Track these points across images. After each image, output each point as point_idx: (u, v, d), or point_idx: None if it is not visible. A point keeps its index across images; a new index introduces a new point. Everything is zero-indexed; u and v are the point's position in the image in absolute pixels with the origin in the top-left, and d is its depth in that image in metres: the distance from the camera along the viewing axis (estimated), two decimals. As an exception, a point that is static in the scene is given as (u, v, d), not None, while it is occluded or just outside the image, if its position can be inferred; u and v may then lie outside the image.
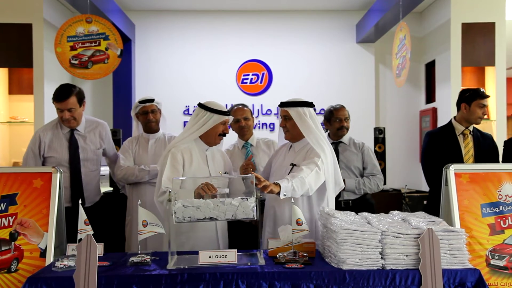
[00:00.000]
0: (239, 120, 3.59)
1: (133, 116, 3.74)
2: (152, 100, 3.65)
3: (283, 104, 2.86)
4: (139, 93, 6.32)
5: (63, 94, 3.30)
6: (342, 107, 3.76)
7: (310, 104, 2.85)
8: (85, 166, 3.38)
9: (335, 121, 3.73)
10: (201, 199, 2.33)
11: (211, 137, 2.87)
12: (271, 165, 3.04)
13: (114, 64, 4.90)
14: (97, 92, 6.53)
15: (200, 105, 2.87)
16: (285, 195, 2.49)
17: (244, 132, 3.61)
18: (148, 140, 3.65)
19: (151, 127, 3.65)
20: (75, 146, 3.37)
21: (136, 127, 3.78)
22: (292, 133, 2.86)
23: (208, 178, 2.67)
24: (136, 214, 3.41)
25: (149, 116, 3.62)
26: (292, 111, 2.80)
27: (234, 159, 3.51)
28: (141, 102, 3.63)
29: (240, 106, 3.64)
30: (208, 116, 2.82)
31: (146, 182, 3.51)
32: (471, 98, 3.62)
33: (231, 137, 3.49)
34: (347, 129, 3.74)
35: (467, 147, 3.64)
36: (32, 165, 3.26)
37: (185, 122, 6.38)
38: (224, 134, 2.91)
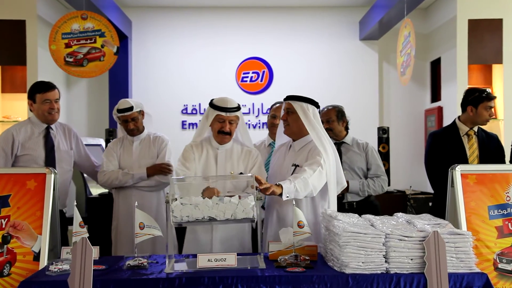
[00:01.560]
0: (276, 117, 3.62)
1: (115, 119, 3.67)
2: (131, 109, 3.46)
3: (288, 97, 2.86)
4: (136, 91, 6.32)
5: (49, 84, 3.35)
6: (325, 110, 3.76)
7: (316, 104, 2.85)
8: (60, 166, 3.35)
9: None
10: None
11: (214, 135, 2.89)
12: (270, 167, 3.04)
13: (110, 61, 4.90)
14: (93, 91, 6.52)
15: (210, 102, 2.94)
16: (287, 196, 2.49)
17: (274, 130, 3.60)
18: (132, 142, 3.57)
19: (132, 134, 3.56)
20: (51, 144, 3.37)
21: (121, 128, 3.67)
22: (292, 127, 2.84)
23: (206, 178, 2.68)
24: (123, 218, 3.44)
25: (130, 125, 3.50)
26: (296, 104, 2.80)
27: None
28: (119, 111, 3.49)
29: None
30: (206, 111, 2.88)
31: (131, 186, 3.46)
32: (477, 101, 3.60)
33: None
34: (332, 130, 3.70)
35: (472, 148, 3.63)
36: (2, 166, 3.22)
37: (183, 122, 6.38)
38: (223, 132, 2.86)
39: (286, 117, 2.84)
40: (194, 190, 2.49)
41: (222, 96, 2.96)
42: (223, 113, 2.84)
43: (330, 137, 3.74)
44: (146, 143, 3.58)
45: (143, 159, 3.50)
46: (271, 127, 3.66)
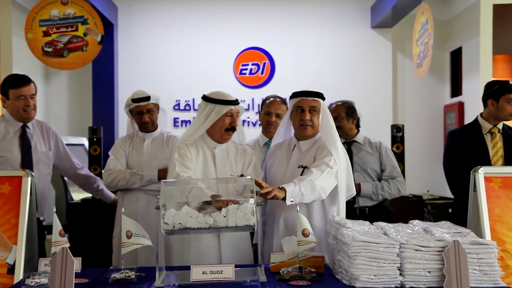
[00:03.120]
0: (270, 113, 3.59)
1: (126, 112, 3.68)
2: (147, 98, 3.53)
3: (313, 94, 2.85)
4: (122, 85, 6.32)
5: (24, 78, 3.33)
6: (333, 106, 3.78)
7: (324, 97, 2.89)
8: (37, 169, 3.35)
9: None
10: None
11: (217, 133, 2.85)
12: (266, 171, 3.03)
13: (93, 52, 4.90)
14: (74, 84, 6.52)
15: (203, 97, 2.90)
16: (292, 201, 2.49)
17: (270, 128, 3.61)
18: (143, 140, 3.60)
19: (147, 128, 3.60)
20: (28, 145, 3.37)
21: (131, 123, 3.71)
22: (315, 129, 2.87)
23: (203, 180, 2.67)
24: None
25: (145, 118, 3.54)
26: (322, 102, 2.83)
27: None
28: (134, 100, 3.54)
29: (278, 100, 3.63)
30: (210, 107, 2.82)
31: (139, 189, 3.47)
32: (498, 93, 3.61)
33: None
34: (340, 128, 3.72)
35: (495, 147, 3.63)
36: None
37: (175, 119, 6.38)
38: (232, 129, 2.86)
39: (310, 117, 2.83)
40: (194, 195, 2.50)
41: (216, 90, 2.95)
42: (232, 107, 2.84)
43: (340, 136, 3.78)
44: (158, 142, 3.60)
45: (155, 159, 3.51)
46: (266, 125, 3.63)
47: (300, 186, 2.52)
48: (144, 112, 3.54)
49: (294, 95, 2.90)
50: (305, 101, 2.84)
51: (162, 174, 3.37)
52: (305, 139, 2.89)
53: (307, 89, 2.89)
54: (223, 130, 2.84)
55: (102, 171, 3.82)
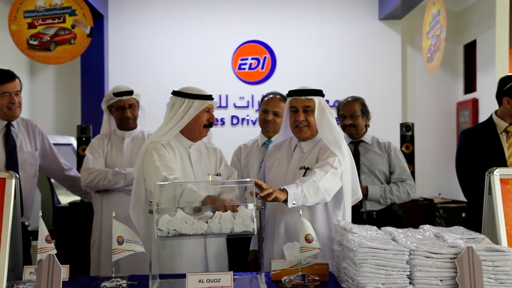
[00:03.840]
0: (267, 111, 3.60)
1: (104, 108, 3.71)
2: (130, 93, 3.59)
3: (307, 92, 2.85)
4: (113, 81, 6.31)
5: (8, 74, 3.33)
6: (348, 101, 3.79)
7: (323, 94, 2.88)
8: (23, 170, 3.35)
9: (340, 117, 3.79)
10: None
11: (195, 130, 2.87)
12: (264, 173, 3.04)
13: (82, 45, 4.90)
14: (62, 80, 6.52)
15: (175, 92, 2.89)
16: (294, 203, 2.49)
17: (267, 127, 3.61)
18: (123, 139, 3.62)
19: (128, 125, 3.62)
20: (12, 145, 3.36)
21: (108, 121, 3.74)
22: (313, 130, 2.87)
23: (200, 183, 2.67)
24: (107, 230, 3.44)
25: (127, 113, 3.57)
26: (316, 100, 2.83)
27: (251, 157, 3.54)
28: (116, 94, 3.57)
29: (277, 97, 3.63)
30: (188, 103, 2.83)
31: (120, 189, 3.48)
32: None
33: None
34: (355, 126, 3.73)
35: (512, 147, 3.64)
36: None
37: (169, 117, 6.38)
38: (210, 125, 2.91)
39: (305, 117, 2.84)
40: (186, 198, 2.49)
41: (204, 87, 2.94)
42: (209, 101, 2.87)
43: (349, 136, 3.79)
44: (139, 141, 3.62)
45: (135, 159, 3.49)
46: (264, 123, 3.64)
47: (302, 187, 2.53)
48: (126, 107, 3.56)
49: (288, 94, 2.91)
50: (298, 100, 2.85)
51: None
52: (305, 140, 2.90)
53: (307, 86, 2.89)
54: (201, 127, 2.87)
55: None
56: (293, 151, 2.93)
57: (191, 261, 2.76)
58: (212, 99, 2.91)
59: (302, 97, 2.84)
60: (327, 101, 2.92)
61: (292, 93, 2.88)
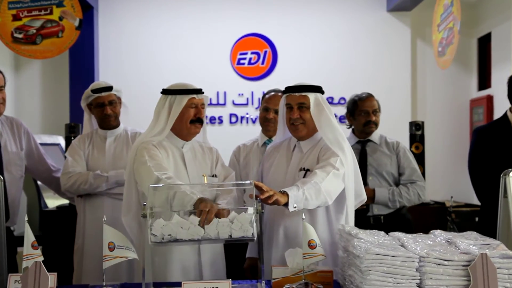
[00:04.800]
0: (268, 109, 3.60)
1: (84, 107, 3.70)
2: (109, 88, 3.57)
3: (301, 88, 2.85)
4: (103, 76, 6.32)
5: None
6: (369, 97, 3.79)
7: (321, 90, 2.88)
8: (8, 172, 3.35)
9: (360, 114, 3.76)
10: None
11: (183, 127, 2.87)
12: (262, 174, 3.04)
13: (70, 38, 4.90)
14: (49, 75, 6.53)
15: (162, 91, 2.91)
16: (295, 207, 2.49)
17: (268, 126, 3.62)
18: (105, 138, 3.61)
19: (109, 122, 3.61)
20: None
21: (89, 121, 3.72)
22: (309, 128, 2.87)
23: (196, 185, 2.67)
24: (90, 236, 3.43)
25: (106, 110, 3.55)
26: (312, 97, 2.82)
27: (250, 158, 3.55)
28: (94, 91, 3.56)
29: (279, 94, 3.62)
30: (171, 100, 2.84)
31: (103, 192, 3.47)
32: None
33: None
34: (376, 124, 3.76)
35: (527, 146, 3.64)
36: None
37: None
38: (198, 120, 2.88)
39: (300, 114, 2.84)
40: (179, 201, 2.50)
41: (200, 84, 2.94)
42: (191, 95, 2.85)
43: (355, 135, 3.80)
44: (122, 140, 3.61)
45: (119, 160, 3.51)
46: (265, 122, 3.65)
47: (303, 189, 2.53)
48: (105, 104, 3.55)
49: (283, 91, 2.92)
50: (293, 97, 2.86)
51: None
52: (304, 139, 2.90)
53: (303, 82, 2.89)
54: (188, 123, 2.86)
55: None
56: (292, 152, 2.93)
57: (184, 268, 2.76)
58: (198, 92, 2.87)
59: (297, 94, 2.85)
60: (331, 98, 2.92)
61: (287, 89, 2.89)
